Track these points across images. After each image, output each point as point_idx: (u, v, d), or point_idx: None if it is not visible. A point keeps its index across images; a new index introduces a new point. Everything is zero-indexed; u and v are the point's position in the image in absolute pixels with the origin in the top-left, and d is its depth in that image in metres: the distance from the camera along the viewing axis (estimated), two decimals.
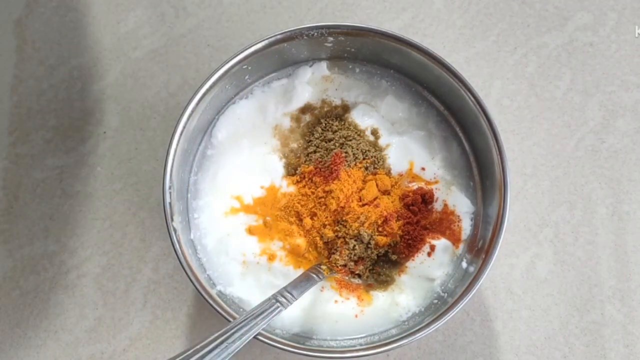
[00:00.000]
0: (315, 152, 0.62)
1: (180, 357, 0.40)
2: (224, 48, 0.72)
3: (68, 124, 0.70)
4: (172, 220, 0.54)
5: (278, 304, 0.49)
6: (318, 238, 0.60)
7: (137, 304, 0.65)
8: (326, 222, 0.59)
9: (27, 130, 0.70)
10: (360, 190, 0.60)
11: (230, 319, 0.51)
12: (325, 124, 0.63)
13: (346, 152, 0.61)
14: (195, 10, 0.73)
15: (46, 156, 0.69)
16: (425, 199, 0.60)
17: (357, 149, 0.62)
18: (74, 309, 0.65)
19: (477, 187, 0.61)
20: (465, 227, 0.60)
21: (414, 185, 0.61)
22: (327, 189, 0.59)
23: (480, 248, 0.57)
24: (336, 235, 0.59)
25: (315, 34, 0.58)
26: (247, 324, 0.46)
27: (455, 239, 0.60)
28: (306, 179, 0.61)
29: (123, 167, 0.69)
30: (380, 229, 0.59)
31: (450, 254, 0.59)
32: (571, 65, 0.73)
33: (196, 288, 0.53)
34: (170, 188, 0.54)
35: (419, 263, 0.59)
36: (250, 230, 0.60)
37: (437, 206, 0.61)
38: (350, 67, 0.64)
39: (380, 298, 0.59)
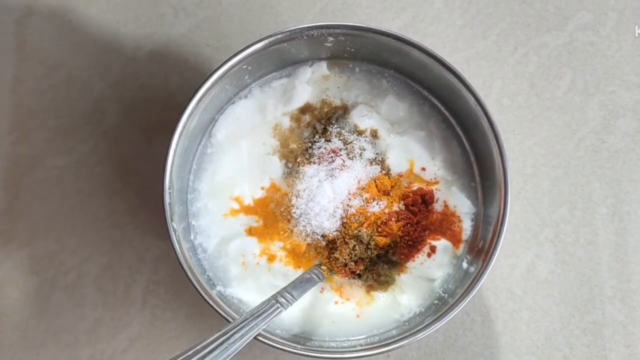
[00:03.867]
0: (314, 152, 0.62)
1: (180, 358, 0.40)
2: (224, 48, 0.72)
3: (68, 124, 0.70)
4: (172, 220, 0.54)
5: (278, 304, 0.49)
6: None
7: (137, 304, 0.65)
8: None
9: (27, 130, 0.70)
10: (360, 190, 0.60)
11: (230, 320, 0.51)
12: (325, 124, 0.63)
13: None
14: (195, 10, 0.73)
15: (46, 156, 0.69)
16: (425, 199, 0.60)
17: (357, 149, 0.61)
18: (73, 310, 0.65)
19: (477, 187, 0.61)
20: (466, 227, 0.60)
21: (414, 186, 0.61)
22: None
23: (481, 249, 0.57)
24: (336, 236, 0.59)
25: (315, 34, 0.58)
26: (247, 324, 0.46)
27: (455, 240, 0.59)
28: None
29: (123, 167, 0.69)
30: (380, 229, 0.59)
31: (451, 254, 0.59)
32: (571, 65, 0.73)
33: (196, 289, 0.53)
34: (170, 188, 0.54)
35: (419, 263, 0.58)
36: (250, 231, 0.60)
37: (438, 207, 0.61)
38: (350, 66, 0.64)
39: (381, 298, 0.59)
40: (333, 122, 0.63)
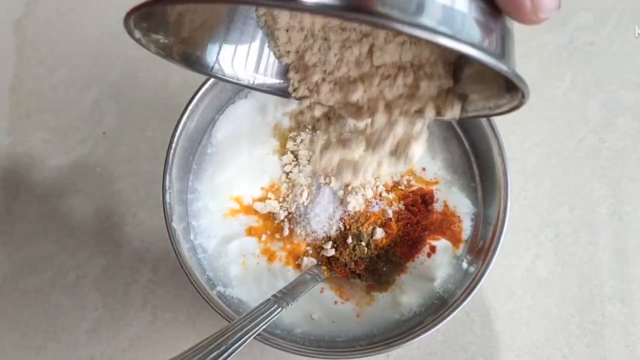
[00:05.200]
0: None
1: (180, 358, 0.40)
2: None
3: (67, 125, 0.70)
4: (171, 220, 0.54)
5: (278, 304, 0.49)
6: None
7: (137, 304, 0.65)
8: None
9: (27, 130, 0.70)
10: None
11: (230, 320, 0.51)
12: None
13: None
14: None
15: (46, 156, 0.69)
16: (425, 199, 0.60)
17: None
18: (73, 310, 0.65)
19: (477, 187, 0.61)
20: (466, 227, 0.60)
21: (414, 186, 0.61)
22: None
23: (481, 249, 0.57)
24: (336, 236, 0.59)
25: None
26: (247, 324, 0.45)
27: (455, 240, 0.59)
28: None
29: (123, 168, 0.69)
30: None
31: (451, 254, 0.59)
32: (572, 65, 0.73)
33: (196, 289, 0.52)
34: (169, 189, 0.54)
35: (419, 263, 0.58)
36: (250, 231, 0.60)
37: (438, 207, 0.61)
38: None
39: (381, 298, 0.59)
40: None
